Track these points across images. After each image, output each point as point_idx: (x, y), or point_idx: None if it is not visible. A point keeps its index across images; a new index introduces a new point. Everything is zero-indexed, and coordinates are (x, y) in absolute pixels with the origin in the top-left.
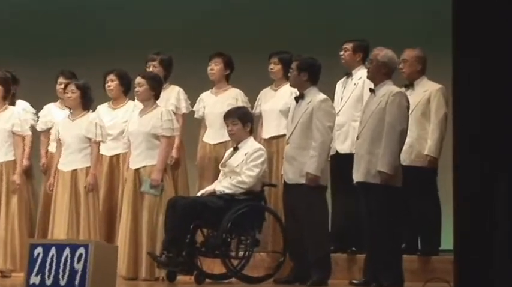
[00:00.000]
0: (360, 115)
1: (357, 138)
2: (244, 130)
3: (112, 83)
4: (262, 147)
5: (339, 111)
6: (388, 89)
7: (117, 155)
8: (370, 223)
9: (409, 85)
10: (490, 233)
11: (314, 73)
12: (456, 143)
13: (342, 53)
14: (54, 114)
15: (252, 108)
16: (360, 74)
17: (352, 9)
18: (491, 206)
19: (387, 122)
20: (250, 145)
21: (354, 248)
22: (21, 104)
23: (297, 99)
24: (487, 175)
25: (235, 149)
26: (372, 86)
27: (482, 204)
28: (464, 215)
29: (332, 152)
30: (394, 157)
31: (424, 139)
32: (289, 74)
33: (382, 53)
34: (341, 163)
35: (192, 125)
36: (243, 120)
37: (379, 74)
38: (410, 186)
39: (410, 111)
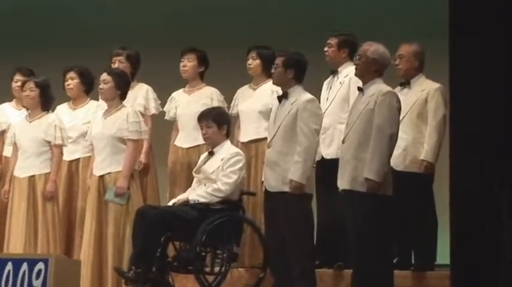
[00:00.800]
0: (346, 117)
1: (343, 142)
2: (220, 133)
3: (72, 82)
4: (240, 151)
5: (324, 112)
6: (378, 88)
7: (77, 160)
8: (357, 236)
9: (405, 83)
10: (492, 247)
11: (301, 70)
12: (453, 143)
13: (326, 49)
14: (9, 115)
15: (229, 108)
16: (347, 71)
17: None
18: (493, 214)
19: (375, 125)
20: (226, 149)
21: (340, 263)
22: None
23: (280, 98)
24: (487, 179)
25: (210, 153)
26: (360, 84)
27: (483, 213)
28: (462, 226)
29: (317, 158)
30: (382, 163)
31: (419, 143)
32: (272, 71)
33: (372, 48)
34: (327, 169)
35: (162, 127)
36: (218, 122)
37: (369, 72)
38: (404, 194)
39: (405, 112)
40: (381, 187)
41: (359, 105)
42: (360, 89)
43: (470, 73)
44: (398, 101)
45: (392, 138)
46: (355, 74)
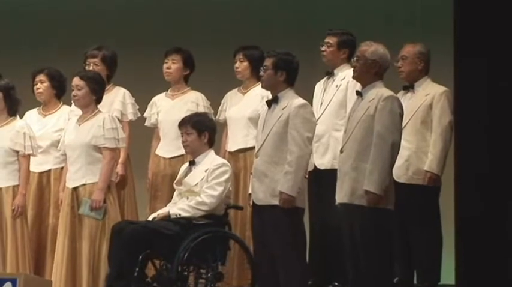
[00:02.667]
0: (343, 123)
1: (341, 151)
2: (201, 141)
3: (42, 85)
4: (226, 162)
5: (318, 118)
6: (378, 92)
7: (48, 172)
8: (355, 253)
9: (409, 87)
10: (500, 268)
11: (292, 72)
12: (459, 154)
13: (323, 48)
14: None
15: (216, 114)
16: (344, 74)
17: None
18: (502, 231)
19: (376, 132)
20: (210, 159)
21: (336, 283)
22: None
23: (270, 103)
24: (496, 196)
25: (191, 163)
26: (358, 87)
27: (491, 231)
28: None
29: (310, 168)
30: (384, 174)
31: (423, 152)
32: (261, 73)
33: (371, 48)
34: (320, 180)
35: (142, 134)
36: (198, 129)
37: (368, 74)
38: (407, 208)
39: (408, 119)
40: (382, 200)
41: (358, 111)
42: (358, 93)
43: (477, 77)
44: (401, 106)
45: (395, 147)
46: (353, 77)
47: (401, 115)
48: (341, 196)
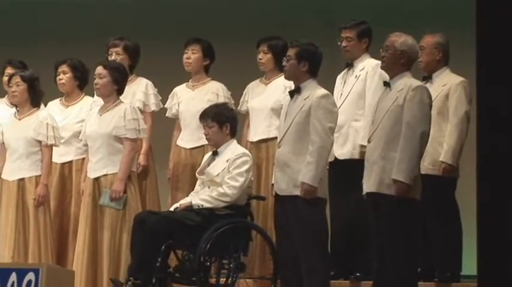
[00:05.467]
0: (362, 113)
1: (369, 141)
2: (222, 133)
3: (64, 76)
4: (246, 152)
5: (338, 109)
6: (407, 82)
7: (70, 163)
8: (379, 243)
9: (428, 77)
10: None
11: (316, 63)
12: (480, 147)
13: (344, 44)
14: (1, 112)
15: (237, 105)
16: (363, 64)
17: None
18: None
19: (405, 122)
20: (232, 149)
21: (358, 274)
22: None
23: (292, 93)
24: None
25: (214, 153)
26: (376, 78)
27: None
28: (490, 234)
29: (330, 159)
30: (412, 163)
31: (439, 143)
32: (284, 63)
33: (400, 39)
34: (340, 171)
35: (163, 125)
36: (219, 121)
37: (397, 65)
38: (424, 199)
39: None
40: (410, 189)
41: (386, 101)
42: (386, 83)
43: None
44: (430, 96)
45: (424, 137)
46: (381, 67)
47: (430, 105)
48: (369, 185)
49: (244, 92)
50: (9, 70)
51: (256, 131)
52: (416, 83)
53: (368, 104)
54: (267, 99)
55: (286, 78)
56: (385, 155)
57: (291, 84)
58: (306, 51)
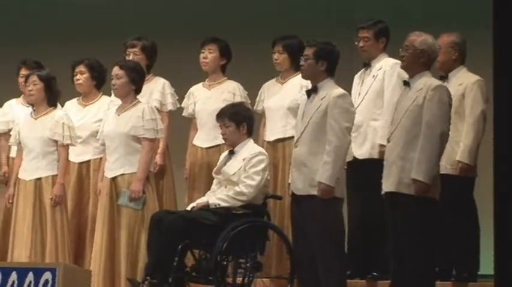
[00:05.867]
0: (380, 113)
1: (388, 141)
2: (239, 133)
3: (82, 76)
4: (262, 150)
5: (356, 108)
6: (427, 82)
7: (87, 162)
8: (398, 242)
9: (444, 77)
10: None
11: (333, 62)
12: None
13: (361, 44)
14: (16, 112)
15: (253, 104)
16: (380, 64)
17: None
18: None
19: (425, 122)
20: (248, 148)
21: (375, 273)
22: None
23: (309, 93)
24: None
25: (231, 153)
26: (394, 77)
27: None
28: (507, 234)
29: (349, 158)
30: (432, 163)
31: (456, 142)
32: (301, 63)
33: (420, 38)
34: (359, 170)
35: (180, 125)
36: (236, 121)
37: (416, 64)
38: (442, 199)
39: None
40: (429, 189)
41: (405, 101)
42: (406, 83)
43: None
44: (449, 96)
45: (443, 137)
46: (401, 66)
47: (450, 105)
48: (388, 185)
49: (259, 92)
50: (23, 71)
51: (273, 130)
52: (436, 82)
53: (386, 103)
54: (283, 99)
55: (303, 77)
56: (404, 155)
57: (307, 84)
58: (323, 51)
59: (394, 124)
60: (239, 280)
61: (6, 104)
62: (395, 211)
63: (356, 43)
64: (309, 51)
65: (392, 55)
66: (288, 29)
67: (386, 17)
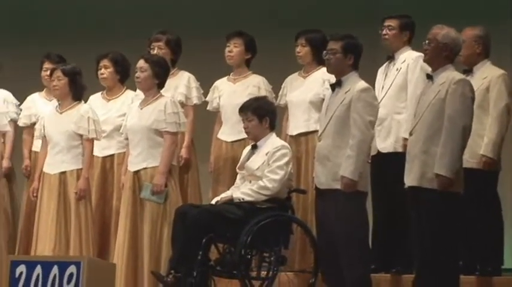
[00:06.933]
0: (404, 106)
1: (410, 134)
2: (262, 126)
3: (106, 70)
4: (285, 144)
5: (380, 102)
6: (449, 75)
7: (111, 156)
8: (421, 237)
9: (468, 71)
10: None
11: (359, 56)
12: None
13: (384, 32)
14: (39, 106)
15: (276, 98)
16: (404, 57)
17: None
18: None
19: (447, 116)
20: (271, 142)
21: (399, 268)
22: (2, 94)
23: (334, 86)
24: None
25: (254, 147)
26: (417, 70)
27: None
28: None
29: (373, 152)
30: (454, 157)
31: (480, 136)
32: (327, 57)
33: (443, 31)
34: (383, 164)
35: (205, 118)
36: (259, 115)
37: (439, 58)
38: (465, 193)
39: None
40: (452, 183)
41: (428, 95)
42: (429, 76)
43: None
44: (472, 90)
45: (466, 131)
46: (424, 60)
47: (473, 99)
48: (410, 179)
49: (282, 86)
50: (47, 65)
51: (296, 124)
52: (459, 76)
53: (410, 96)
54: (305, 93)
55: (329, 72)
56: (426, 149)
57: (329, 77)
58: (351, 44)
59: (417, 118)
60: (263, 273)
61: (29, 98)
62: (418, 205)
63: (380, 31)
64: (335, 45)
65: (417, 50)
66: (311, 23)
67: (409, 11)
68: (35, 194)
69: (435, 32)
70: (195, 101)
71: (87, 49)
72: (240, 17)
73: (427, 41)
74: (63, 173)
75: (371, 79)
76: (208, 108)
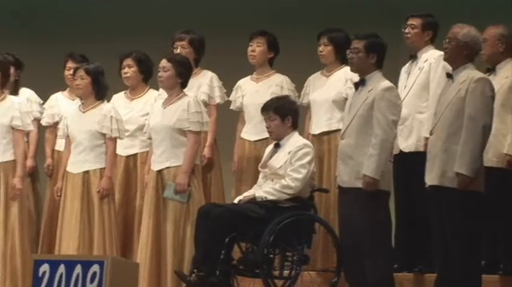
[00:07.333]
0: (426, 105)
1: (431, 134)
2: (284, 125)
3: (129, 70)
4: (308, 143)
5: (402, 101)
6: (469, 74)
7: (134, 155)
8: (443, 236)
9: (491, 69)
10: None
11: (382, 55)
12: None
13: (407, 30)
14: (62, 105)
15: (299, 97)
16: (427, 56)
17: None
18: None
19: (467, 115)
20: (294, 141)
21: (422, 267)
22: (25, 93)
23: (357, 85)
24: None
25: (276, 146)
26: (439, 69)
27: None
28: None
29: (395, 152)
30: (475, 156)
31: (503, 135)
32: (350, 56)
33: (463, 31)
34: (405, 163)
35: (228, 118)
36: (281, 114)
37: (459, 56)
38: (488, 192)
39: None
40: (472, 182)
41: (448, 93)
42: (449, 75)
43: None
44: (492, 89)
45: (486, 130)
46: (444, 59)
47: (493, 97)
48: (431, 178)
49: (305, 85)
50: (70, 64)
51: (318, 123)
52: (479, 75)
53: (431, 95)
54: (328, 92)
55: (353, 71)
56: (447, 148)
57: (352, 77)
58: (374, 44)
59: (437, 117)
60: (286, 273)
61: (52, 97)
62: (439, 204)
63: (402, 30)
64: (358, 44)
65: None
66: (334, 23)
67: (430, 9)
68: (58, 194)
69: (455, 31)
70: (217, 100)
71: (110, 48)
72: (262, 16)
73: (447, 40)
74: (87, 172)
75: (395, 78)
76: (231, 107)
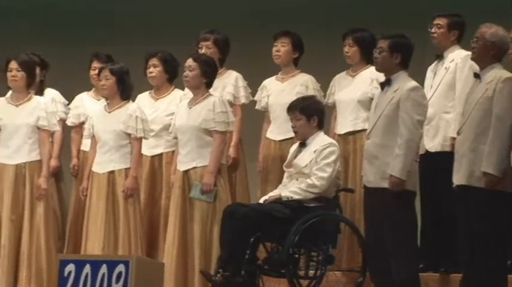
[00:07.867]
0: (452, 105)
1: (458, 134)
2: (310, 125)
3: (155, 69)
4: (333, 141)
5: (428, 101)
6: (497, 74)
7: (160, 155)
8: (469, 236)
9: None
10: None
11: (408, 55)
12: None
13: (433, 30)
14: (87, 105)
15: (325, 97)
16: (453, 56)
17: None
18: None
19: (495, 114)
20: (319, 140)
21: (447, 267)
22: (50, 93)
23: (383, 85)
24: None
25: (302, 145)
26: (466, 69)
27: None
28: None
29: (421, 151)
30: (502, 156)
31: None
32: (375, 55)
33: (491, 30)
34: (432, 163)
35: (253, 117)
36: (307, 114)
37: (487, 56)
38: None
39: None
40: (500, 182)
41: (476, 93)
42: (476, 75)
43: None
44: None
45: None
46: (472, 58)
47: None
48: (458, 178)
49: (330, 85)
50: (95, 64)
51: (344, 123)
52: (506, 74)
53: (458, 95)
54: (353, 92)
55: (377, 70)
56: (474, 147)
57: (377, 76)
58: (398, 43)
59: (465, 117)
60: (311, 273)
61: (78, 97)
62: (467, 204)
63: (429, 29)
64: (383, 44)
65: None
66: (360, 23)
67: (457, 9)
68: (84, 194)
69: (483, 31)
70: (243, 100)
71: (135, 48)
72: (286, 17)
73: (474, 39)
74: (112, 172)
75: (421, 78)
76: (256, 107)
